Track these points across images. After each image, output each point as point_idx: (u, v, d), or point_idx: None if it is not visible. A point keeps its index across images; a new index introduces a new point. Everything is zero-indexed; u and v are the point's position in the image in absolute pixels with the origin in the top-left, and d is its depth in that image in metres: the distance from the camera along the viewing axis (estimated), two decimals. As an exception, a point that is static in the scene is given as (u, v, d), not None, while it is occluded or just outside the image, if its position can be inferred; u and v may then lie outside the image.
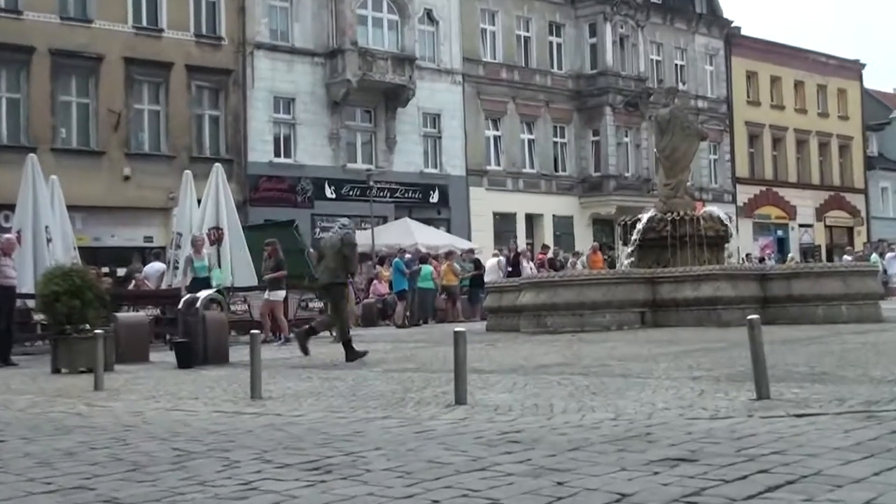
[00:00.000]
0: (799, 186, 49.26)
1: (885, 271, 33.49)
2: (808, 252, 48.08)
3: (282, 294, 16.42)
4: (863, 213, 52.22)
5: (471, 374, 8.29)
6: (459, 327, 7.23)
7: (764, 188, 47.64)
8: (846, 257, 34.06)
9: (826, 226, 50.89)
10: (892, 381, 7.19)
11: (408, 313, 23.59)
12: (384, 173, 32.70)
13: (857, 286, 16.81)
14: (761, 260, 34.26)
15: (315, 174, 32.04)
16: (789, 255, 38.32)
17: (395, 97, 33.72)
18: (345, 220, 13.54)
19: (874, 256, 34.07)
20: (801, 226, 49.34)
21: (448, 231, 34.13)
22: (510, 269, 25.91)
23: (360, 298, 24.68)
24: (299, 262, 20.48)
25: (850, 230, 51.88)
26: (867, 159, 53.07)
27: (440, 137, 35.80)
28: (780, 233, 48.83)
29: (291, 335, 15.44)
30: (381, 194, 32.76)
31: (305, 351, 12.61)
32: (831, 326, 15.30)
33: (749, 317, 6.61)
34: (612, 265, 23.49)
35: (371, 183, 29.83)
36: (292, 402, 7.42)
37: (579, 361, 10.27)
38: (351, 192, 32.46)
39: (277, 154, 31.64)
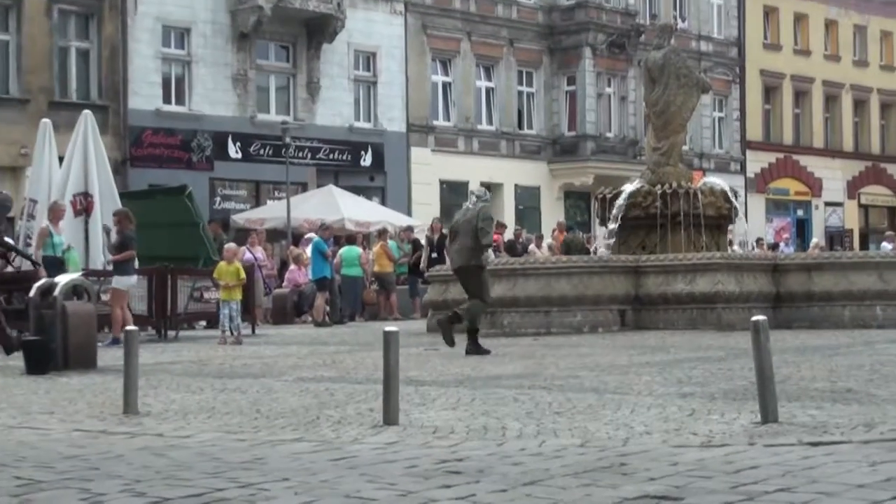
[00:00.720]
0: (827, 154, 49.84)
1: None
2: (837, 238, 48.78)
3: (129, 281, 16.26)
4: (909, 190, 53.00)
5: (405, 387, 8.34)
6: (392, 326, 7.26)
7: (781, 156, 48.14)
8: (885, 245, 34.57)
9: (860, 205, 51.59)
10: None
11: (328, 308, 23.58)
12: (304, 128, 32.53)
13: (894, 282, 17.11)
14: (775, 247, 34.68)
15: (215, 127, 31.81)
16: (812, 241, 38.79)
17: (320, 30, 33.55)
18: (480, 191, 14.47)
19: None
20: (827, 204, 49.95)
21: (383, 203, 34.12)
22: (435, 254, 24.92)
23: (270, 288, 24.61)
24: (193, 240, 20.35)
25: (892, 211, 52.65)
26: (916, 121, 53.80)
27: (375, 83, 35.72)
28: (800, 212, 49.42)
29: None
30: (300, 155, 32.62)
31: (451, 342, 13.11)
32: (861, 332, 15.58)
33: (754, 318, 6.70)
34: (580, 249, 23.57)
35: (287, 140, 29.67)
36: (177, 420, 7.40)
37: (542, 372, 10.36)
38: (261, 152, 32.30)
39: (167, 100, 31.33)
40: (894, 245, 34.42)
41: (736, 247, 23.13)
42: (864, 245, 48.27)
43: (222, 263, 16.95)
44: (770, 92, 48.15)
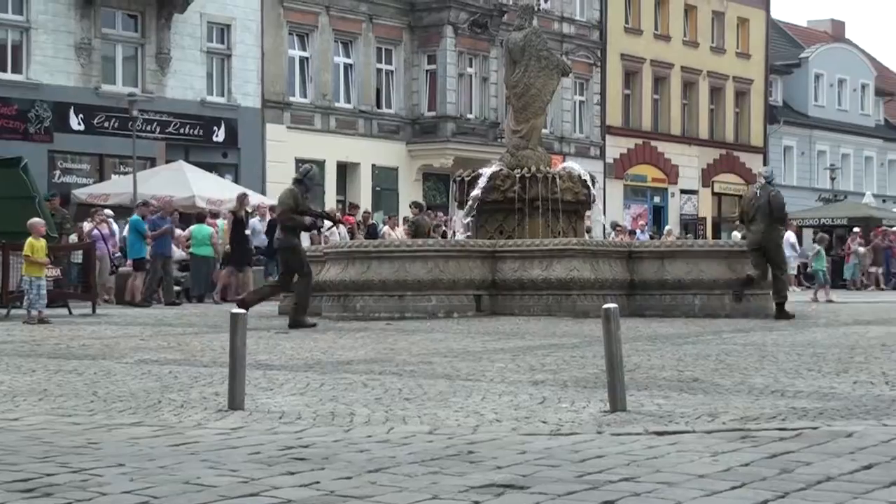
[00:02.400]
0: (684, 141, 50.90)
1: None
2: (691, 226, 49.89)
3: None
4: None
5: (252, 371, 8.29)
6: (239, 308, 7.21)
7: (640, 142, 49.02)
8: (736, 234, 35.52)
9: (714, 193, 52.81)
10: (776, 392, 7.60)
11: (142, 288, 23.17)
12: (153, 100, 31.98)
13: (744, 271, 17.52)
14: (632, 233, 35.32)
15: (56, 97, 31.05)
16: (666, 229, 39.66)
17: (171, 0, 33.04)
18: (766, 170, 17.99)
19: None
20: (683, 192, 51.04)
21: (236, 181, 33.73)
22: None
23: (116, 267, 24.18)
24: (28, 214, 19.81)
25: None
26: (769, 110, 55.25)
27: (229, 56, 35.28)
28: (657, 199, 50.40)
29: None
30: (149, 128, 32.08)
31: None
32: (710, 321, 16.00)
33: (605, 306, 6.81)
34: (418, 232, 23.63)
35: (135, 113, 29.14)
36: (5, 402, 7.25)
37: (394, 357, 10.40)
38: (106, 124, 31.65)
39: (2, 68, 30.50)
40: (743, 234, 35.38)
41: (594, 233, 23.50)
42: (716, 233, 49.50)
43: (31, 239, 16.63)
44: (630, 77, 48.92)
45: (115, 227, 24.42)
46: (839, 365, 9.53)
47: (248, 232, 25.02)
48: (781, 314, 16.70)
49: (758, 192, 17.17)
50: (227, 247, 24.58)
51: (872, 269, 38.65)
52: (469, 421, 6.33)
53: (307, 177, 16.17)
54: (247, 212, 25.45)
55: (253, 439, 5.59)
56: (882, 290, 36.81)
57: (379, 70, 39.64)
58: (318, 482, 4.47)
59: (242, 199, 25.40)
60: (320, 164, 37.32)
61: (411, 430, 5.94)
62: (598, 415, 6.56)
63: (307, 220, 16.04)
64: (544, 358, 10.18)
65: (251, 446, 5.36)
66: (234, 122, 35.10)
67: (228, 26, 35.23)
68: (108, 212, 25.02)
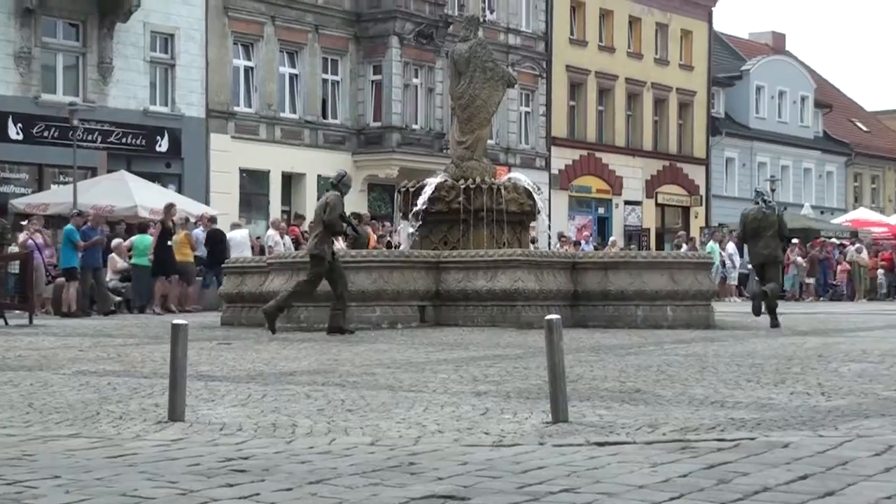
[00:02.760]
0: (628, 153, 51.22)
1: (723, 264, 35.52)
2: (635, 237, 50.19)
3: None
4: (702, 191, 54.83)
5: (194, 382, 8.24)
6: (181, 319, 7.17)
7: (585, 153, 49.26)
8: (712, 245, 35.81)
9: (658, 204, 53.18)
10: (716, 403, 7.66)
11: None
12: (95, 110, 31.74)
13: (686, 283, 17.71)
14: (577, 244, 35.47)
15: (-5, 105, 30.80)
16: (610, 240, 39.90)
17: (113, 8, 32.78)
18: (765, 188, 18.60)
19: (711, 245, 36.01)
20: (627, 203, 51.34)
21: (179, 191, 33.54)
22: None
23: (52, 276, 23.96)
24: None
25: (687, 211, 54.41)
26: (711, 122, 55.73)
27: (173, 66, 35.10)
28: (601, 210, 50.66)
29: None
30: (90, 138, 31.83)
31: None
32: (653, 332, 16.10)
33: (548, 317, 6.84)
34: (357, 244, 23.63)
35: (76, 122, 28.91)
36: (-63, 415, 7.16)
37: (337, 368, 10.38)
38: (46, 133, 31.37)
39: (-61, 76, 30.25)
40: (690, 246, 35.71)
41: (540, 244, 23.59)
42: (659, 244, 49.85)
43: None
44: (575, 88, 49.17)
45: (40, 238, 24.14)
46: (777, 376, 9.62)
47: (169, 243, 24.81)
48: (774, 323, 17.45)
49: (764, 210, 17.91)
50: (151, 256, 24.44)
51: (809, 280, 39.11)
52: (411, 432, 6.33)
53: (342, 182, 16.33)
54: (173, 222, 25.31)
55: (193, 451, 5.55)
56: (819, 300, 37.26)
57: (325, 80, 39.60)
58: (257, 494, 4.45)
59: (169, 208, 25.26)
60: (265, 175, 37.25)
61: (353, 441, 5.94)
62: (540, 426, 6.58)
63: (347, 227, 16.35)
64: (487, 369, 10.20)
65: (190, 458, 5.33)
66: (178, 131, 34.91)
67: (172, 36, 35.05)
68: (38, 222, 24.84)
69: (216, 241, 26.64)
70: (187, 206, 30.27)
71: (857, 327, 18.47)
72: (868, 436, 5.83)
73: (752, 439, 5.70)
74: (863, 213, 51.77)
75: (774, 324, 17.50)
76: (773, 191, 51.84)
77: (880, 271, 41.09)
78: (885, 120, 72.63)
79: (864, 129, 68.46)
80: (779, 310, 17.77)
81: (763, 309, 17.71)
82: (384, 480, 4.73)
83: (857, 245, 40.34)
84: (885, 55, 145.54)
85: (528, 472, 4.92)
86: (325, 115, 39.55)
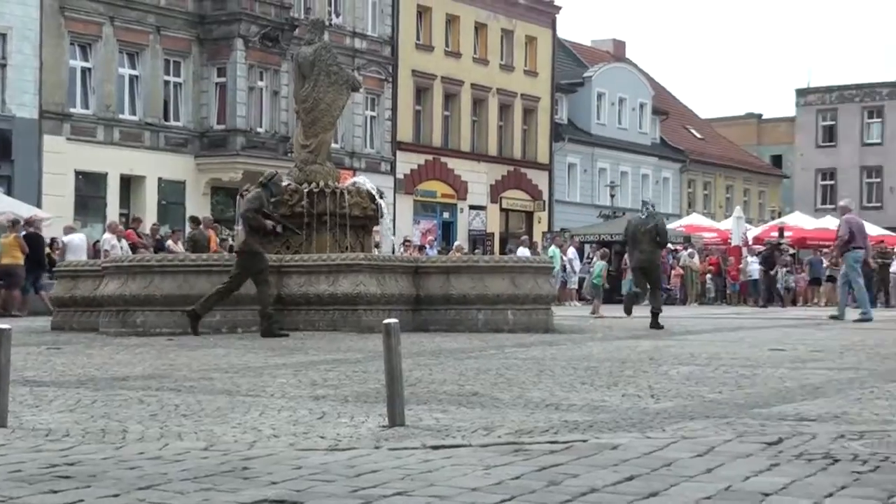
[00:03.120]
0: (473, 158, 51.63)
1: (564, 268, 36.08)
2: (480, 241, 50.61)
3: None
4: (545, 196, 55.56)
5: (19, 388, 8.05)
6: (5, 323, 6.98)
7: (430, 158, 49.50)
8: (522, 250, 36.25)
9: (502, 209, 53.72)
10: (551, 406, 7.77)
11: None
12: (-78, 108, 30.79)
13: (526, 287, 17.92)
14: (421, 248, 35.63)
15: None
16: (455, 244, 40.16)
17: (-56, 3, 31.87)
18: (650, 199, 20.58)
19: (552, 249, 36.57)
20: (472, 207, 51.74)
21: (9, 193, 32.67)
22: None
23: None
24: None
25: (530, 216, 55.08)
26: (554, 127, 56.51)
27: (4, 66, 34.21)
28: (446, 215, 50.95)
29: None
30: (-84, 137, 30.86)
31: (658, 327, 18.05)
32: (494, 336, 16.26)
33: (385, 321, 6.86)
34: (196, 247, 23.47)
35: None
36: None
37: (172, 373, 10.24)
38: None
39: None
40: (532, 251, 36.17)
41: (384, 249, 23.62)
42: (504, 249, 50.36)
43: None
44: (421, 93, 49.40)
45: None
46: (610, 378, 9.80)
47: None
48: (655, 324, 18.76)
49: (645, 217, 19.36)
50: None
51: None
52: (246, 437, 6.28)
53: (272, 181, 16.57)
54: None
55: (14, 457, 5.41)
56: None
57: (167, 82, 39.05)
58: (82, 500, 4.37)
59: None
60: (102, 177, 36.54)
61: (186, 446, 5.86)
62: (376, 430, 6.59)
63: (269, 224, 16.14)
64: (327, 373, 10.18)
65: (12, 464, 5.19)
66: (9, 132, 34.03)
67: (4, 35, 34.17)
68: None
69: (34, 246, 25.82)
70: (16, 208, 29.46)
71: (687, 331, 18.92)
72: (692, 437, 5.97)
73: (584, 441, 5.77)
74: (695, 219, 53.08)
75: (655, 325, 18.81)
76: (612, 196, 53.00)
77: (708, 276, 42.30)
78: (717, 127, 74.78)
79: (698, 136, 70.31)
80: (614, 315, 18.21)
81: (631, 310, 19.41)
82: (216, 485, 4.69)
83: (690, 250, 41.38)
84: (718, 64, 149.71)
85: (362, 475, 4.93)
86: (166, 118, 39.00)
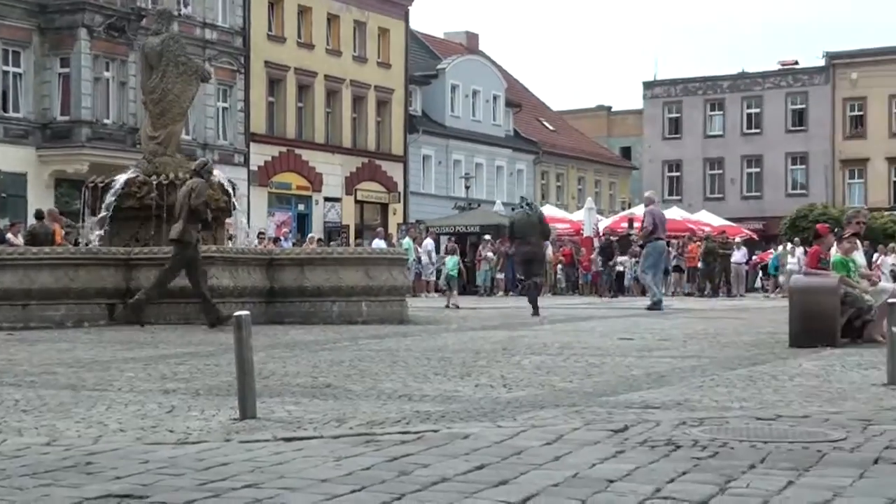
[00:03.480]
0: (327, 149, 51.43)
1: (419, 260, 36.23)
2: (335, 233, 50.47)
3: None
4: (400, 188, 55.66)
5: None
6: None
7: (284, 149, 49.16)
8: (378, 242, 36.28)
9: (357, 201, 53.62)
10: (404, 397, 7.81)
11: None
12: None
13: (381, 278, 17.95)
14: (276, 241, 35.40)
15: None
16: (309, 236, 39.94)
17: None
18: (528, 195, 22.82)
19: (406, 241, 36.68)
20: (327, 199, 51.55)
21: None
22: None
23: None
24: None
25: (386, 207, 55.13)
26: (409, 119, 56.62)
27: None
28: (301, 207, 50.69)
29: None
30: None
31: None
32: (348, 328, 16.25)
33: (236, 314, 6.82)
34: (35, 241, 22.98)
35: None
36: None
37: (12, 368, 10.02)
38: None
39: None
40: (387, 242, 36.23)
41: (238, 241, 23.39)
42: (359, 240, 50.33)
43: None
44: (274, 84, 49.02)
45: None
46: (464, 369, 9.88)
47: None
48: (536, 313, 20.07)
49: (528, 213, 20.90)
50: None
51: (500, 276, 40.34)
52: (91, 432, 6.17)
53: (205, 168, 16.80)
54: None
55: None
56: (508, 295, 38.47)
57: (6, 72, 38.08)
58: (-84, 501, 4.24)
59: None
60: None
61: (26, 441, 5.73)
62: (227, 423, 6.55)
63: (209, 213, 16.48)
64: (177, 367, 10.06)
65: None
66: None
67: None
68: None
69: None
70: None
71: (540, 321, 19.16)
72: (542, 426, 6.06)
73: (436, 431, 5.82)
74: (549, 210, 53.67)
75: (536, 313, 19.80)
76: (467, 188, 53.33)
77: (559, 266, 42.88)
78: (569, 119, 75.78)
79: (551, 128, 71.15)
80: (470, 306, 18.36)
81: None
82: (57, 481, 4.60)
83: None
84: (568, 57, 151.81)
85: (211, 468, 4.89)
86: (5, 109, 38.03)
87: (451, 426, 6.15)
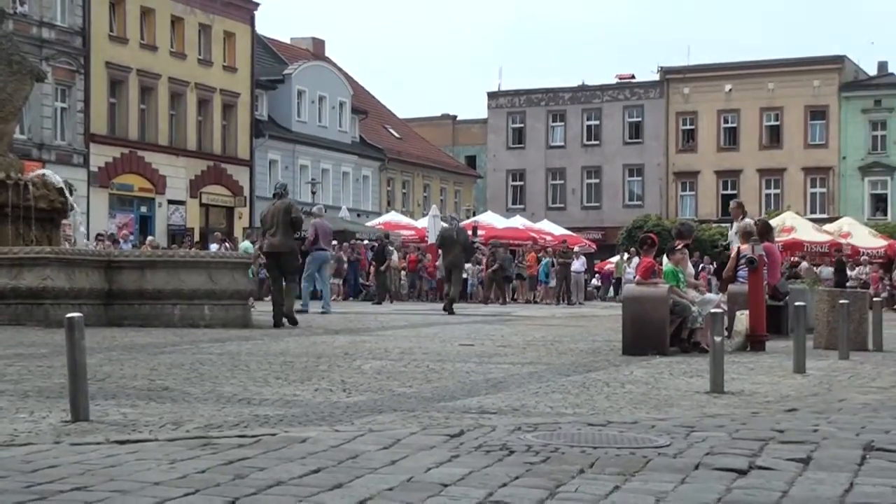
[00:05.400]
0: (172, 152, 50.75)
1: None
2: (179, 236, 49.79)
3: None
4: (246, 192, 55.20)
5: None
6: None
7: (127, 151, 48.35)
8: (213, 246, 35.97)
9: (202, 204, 53.03)
10: (243, 400, 7.74)
11: None
12: None
13: (224, 282, 17.77)
14: (116, 243, 34.77)
15: None
16: (148, 239, 39.35)
17: None
18: (453, 214, 27.98)
19: (245, 244, 36.48)
20: (171, 202, 50.85)
21: None
22: None
23: None
24: None
25: (231, 211, 54.61)
26: (255, 124, 56.21)
27: None
28: (144, 209, 49.90)
29: None
30: None
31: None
32: (190, 331, 16.05)
33: (68, 315, 6.68)
34: None
35: None
36: None
37: None
38: None
39: None
40: (220, 246, 36.03)
41: (80, 243, 22.90)
42: (204, 244, 49.72)
43: None
44: (116, 85, 48.19)
45: None
46: (305, 373, 9.85)
47: None
48: (450, 310, 24.22)
49: (453, 228, 25.51)
50: None
51: (333, 282, 40.26)
52: None
53: (285, 190, 19.57)
54: None
55: None
56: (347, 300, 38.46)
57: None
58: None
59: None
60: None
61: None
62: (58, 425, 6.41)
63: None
64: (6, 368, 9.80)
65: None
66: None
67: None
68: None
69: None
70: None
71: (383, 326, 19.23)
72: (380, 430, 6.07)
73: (273, 435, 5.78)
74: (394, 217, 53.87)
75: (450, 310, 23.92)
76: (313, 193, 53.13)
77: (402, 272, 43.02)
78: (415, 127, 76.12)
79: (397, 135, 71.38)
80: (314, 311, 18.30)
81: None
82: None
83: (389, 248, 41.79)
84: (414, 65, 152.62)
85: (38, 471, 4.77)
86: None
87: (289, 430, 6.12)
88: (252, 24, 56.77)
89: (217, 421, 6.65)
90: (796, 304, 11.12)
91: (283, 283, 18.63)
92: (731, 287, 15.88)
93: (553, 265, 43.44)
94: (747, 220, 17.80)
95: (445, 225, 26.37)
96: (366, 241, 44.57)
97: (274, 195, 19.76)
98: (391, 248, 40.95)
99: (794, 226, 45.01)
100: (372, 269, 40.17)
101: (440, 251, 28.50)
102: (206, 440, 5.61)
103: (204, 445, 5.43)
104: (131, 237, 40.47)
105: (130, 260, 18.22)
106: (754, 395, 8.53)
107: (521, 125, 75.29)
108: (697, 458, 5.18)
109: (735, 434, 5.91)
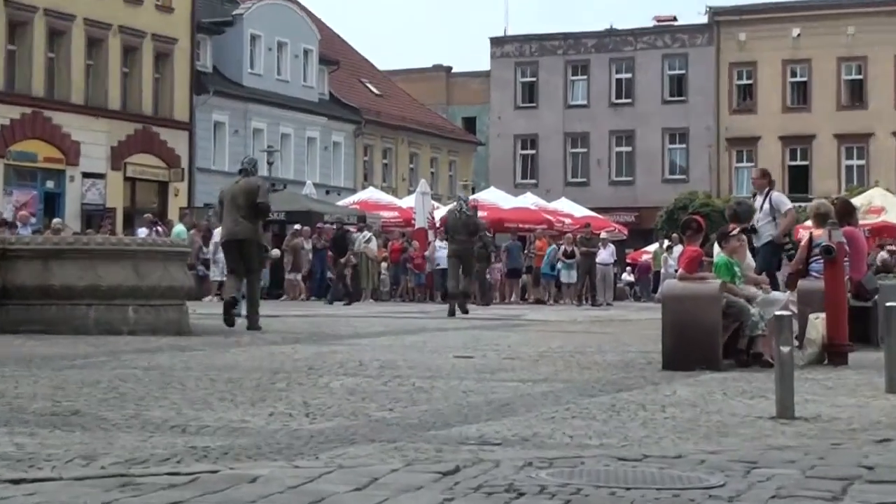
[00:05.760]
0: (88, 113, 50.71)
1: (198, 257, 36.21)
2: (97, 219, 49.80)
3: None
4: (184, 163, 55.12)
5: None
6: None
7: (29, 111, 48.33)
8: (141, 231, 36.02)
9: (127, 178, 52.98)
10: (176, 428, 7.74)
11: None
12: None
13: (154, 277, 17.72)
14: (13, 227, 34.71)
15: None
16: (55, 221, 39.36)
17: None
18: (460, 193, 30.56)
19: (178, 229, 36.57)
20: (86, 175, 50.82)
21: None
22: None
23: None
24: None
25: (165, 187, 54.56)
26: (196, 77, 56.10)
27: None
28: (50, 184, 49.90)
29: None
30: None
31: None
32: (109, 339, 16.06)
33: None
34: None
35: None
36: None
37: None
38: None
39: None
40: (151, 231, 36.00)
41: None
42: (130, 229, 49.72)
43: None
44: (17, 28, 48.18)
45: None
46: (257, 393, 9.84)
47: None
48: (464, 309, 26.60)
49: (466, 212, 27.50)
50: None
51: (290, 276, 40.31)
52: None
53: (254, 167, 20.06)
54: None
55: None
56: (320, 300, 38.50)
57: None
58: None
59: None
60: None
61: None
62: (-65, 459, 6.36)
63: None
64: None
65: None
66: None
67: None
68: None
69: None
70: None
71: (357, 333, 19.26)
72: (352, 466, 6.06)
73: (215, 472, 5.77)
74: (373, 194, 53.91)
75: (464, 310, 26.40)
76: (270, 164, 53.07)
77: (384, 265, 42.87)
78: (399, 82, 75.81)
79: (376, 92, 71.22)
80: (271, 314, 18.54)
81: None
82: None
83: (366, 233, 41.68)
84: (399, 5, 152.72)
85: None
86: None
87: (236, 466, 6.10)
88: (193, -49, 56.78)
89: (142, 454, 6.62)
90: (887, 304, 11.04)
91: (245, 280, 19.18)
92: (801, 283, 15.81)
93: (568, 254, 42.71)
94: (822, 200, 17.84)
95: (452, 208, 28.55)
96: (335, 226, 44.54)
97: (240, 171, 19.93)
98: (358, 234, 40.68)
99: (884, 205, 45.08)
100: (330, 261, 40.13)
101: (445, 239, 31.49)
102: (126, 479, 5.60)
103: (123, 486, 5.42)
104: (33, 220, 40.34)
105: (31, 248, 18.13)
106: (834, 422, 8.52)
107: (533, 79, 75.44)
108: (760, 501, 5.16)
109: (809, 472, 5.90)
